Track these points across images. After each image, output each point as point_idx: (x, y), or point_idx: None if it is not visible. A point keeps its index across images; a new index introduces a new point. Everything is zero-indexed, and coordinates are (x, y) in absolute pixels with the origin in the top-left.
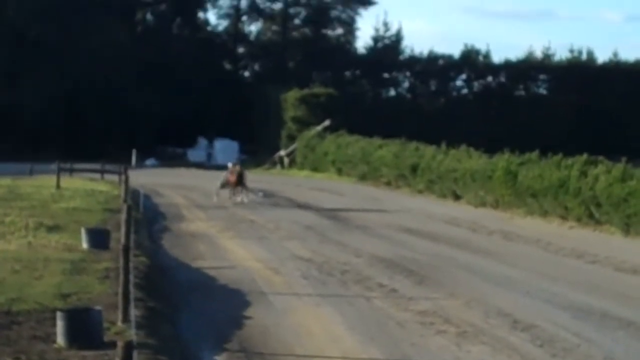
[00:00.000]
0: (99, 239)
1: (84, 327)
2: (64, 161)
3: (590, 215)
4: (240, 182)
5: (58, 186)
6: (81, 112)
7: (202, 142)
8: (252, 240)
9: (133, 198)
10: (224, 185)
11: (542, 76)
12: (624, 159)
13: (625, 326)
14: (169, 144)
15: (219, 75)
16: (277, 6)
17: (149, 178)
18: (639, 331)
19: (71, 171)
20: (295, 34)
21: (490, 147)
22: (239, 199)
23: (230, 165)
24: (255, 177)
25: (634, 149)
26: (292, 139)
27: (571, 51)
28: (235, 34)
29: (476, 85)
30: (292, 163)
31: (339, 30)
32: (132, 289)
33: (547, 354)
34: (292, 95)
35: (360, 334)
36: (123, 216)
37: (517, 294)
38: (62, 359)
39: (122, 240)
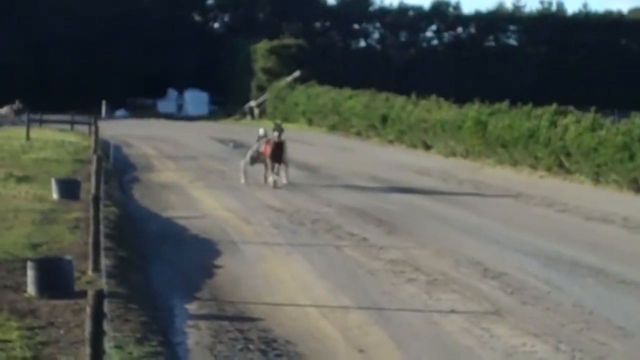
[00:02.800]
0: (69, 189)
1: (55, 276)
2: (34, 112)
3: (560, 165)
4: (278, 156)
5: (28, 137)
6: (50, 65)
7: (172, 93)
8: (223, 190)
9: (103, 149)
10: (256, 159)
11: (512, 27)
12: (593, 108)
13: (594, 274)
14: (139, 95)
15: (188, 27)
16: None
17: (119, 129)
18: (608, 278)
19: (41, 122)
20: None
21: (460, 98)
22: (272, 179)
23: (261, 132)
24: (225, 128)
25: (602, 99)
26: (262, 89)
27: (541, 2)
28: None
29: (446, 36)
30: (262, 114)
31: None
32: (102, 238)
33: (517, 301)
34: (262, 47)
35: (331, 283)
36: (93, 167)
37: (488, 242)
38: (32, 308)
39: (92, 190)
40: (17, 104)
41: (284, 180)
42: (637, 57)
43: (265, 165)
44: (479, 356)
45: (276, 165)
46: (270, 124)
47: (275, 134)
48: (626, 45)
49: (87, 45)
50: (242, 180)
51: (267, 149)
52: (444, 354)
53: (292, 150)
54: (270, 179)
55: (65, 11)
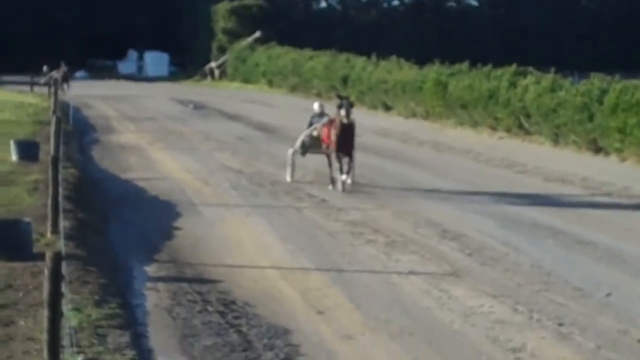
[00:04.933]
0: (28, 151)
1: (13, 238)
2: None
3: (520, 126)
4: (348, 145)
5: None
6: (8, 26)
7: (133, 54)
8: (182, 151)
9: (62, 110)
10: (309, 148)
11: None
12: (553, 69)
13: (553, 235)
14: (99, 57)
15: None
16: None
17: (79, 90)
18: (567, 239)
19: None
20: None
21: (421, 59)
22: (341, 181)
23: (317, 107)
24: (185, 89)
25: (562, 60)
26: (222, 51)
27: None
28: None
29: None
30: (222, 75)
31: None
32: (61, 200)
33: (476, 262)
34: (222, 7)
35: (291, 244)
36: (52, 128)
37: (447, 204)
38: None
39: (52, 152)
40: None
41: (349, 180)
42: (597, 17)
43: (328, 158)
44: (437, 317)
45: (345, 158)
46: (230, 85)
47: (342, 111)
48: (586, 5)
49: (46, 5)
50: (288, 177)
51: (329, 134)
52: (403, 315)
53: (251, 112)
54: (339, 182)
55: None
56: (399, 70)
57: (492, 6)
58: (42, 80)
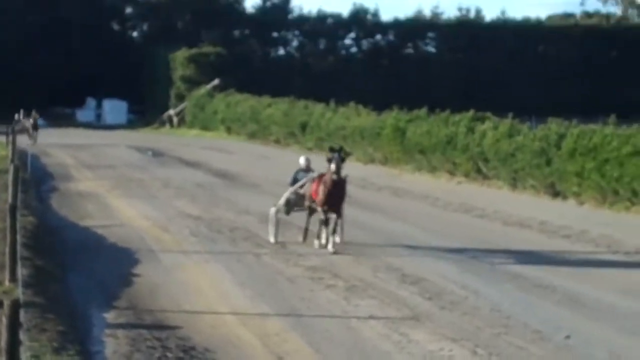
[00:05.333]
0: None
1: None
2: None
3: (478, 171)
4: (337, 202)
5: None
6: None
7: (91, 102)
8: (141, 199)
9: (20, 158)
10: (294, 205)
11: (430, 34)
12: (510, 115)
13: (512, 278)
14: (58, 105)
15: (107, 36)
16: None
17: (38, 138)
18: (526, 283)
19: None
20: None
21: (379, 105)
22: (331, 243)
23: (303, 161)
24: (144, 137)
25: (520, 105)
26: (181, 98)
27: (459, 9)
28: None
29: (365, 43)
30: (181, 122)
31: None
32: (19, 248)
33: (435, 306)
34: (180, 55)
35: (250, 290)
36: (10, 176)
37: (406, 248)
38: None
39: (9, 200)
40: None
41: (337, 239)
42: (555, 63)
43: (310, 213)
44: None
45: (332, 216)
46: (189, 133)
47: (332, 166)
48: (544, 51)
49: (5, 53)
50: (272, 238)
51: (317, 190)
52: (362, 359)
53: (210, 159)
54: (330, 243)
55: None
56: (357, 117)
57: (450, 52)
58: (16, 127)
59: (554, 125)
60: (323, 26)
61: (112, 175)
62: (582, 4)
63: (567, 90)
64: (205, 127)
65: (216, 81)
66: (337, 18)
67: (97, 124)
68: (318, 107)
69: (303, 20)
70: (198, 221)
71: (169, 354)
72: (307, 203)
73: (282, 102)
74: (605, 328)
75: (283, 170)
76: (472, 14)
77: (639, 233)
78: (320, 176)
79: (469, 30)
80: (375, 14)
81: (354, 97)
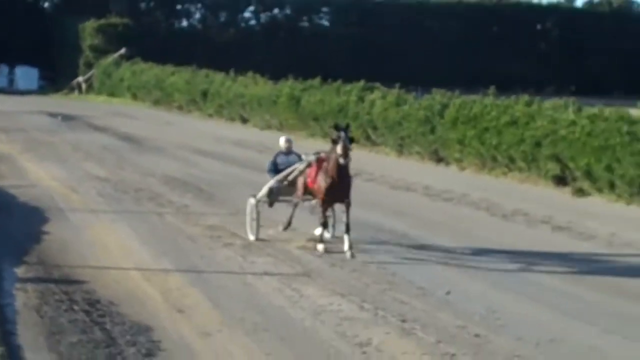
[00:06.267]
0: None
1: None
2: None
3: (368, 138)
4: (343, 192)
5: None
6: None
7: (4, 68)
8: (51, 161)
9: None
10: (278, 194)
11: (324, 9)
12: (397, 85)
13: (398, 238)
14: None
15: (20, 5)
16: None
17: None
18: (411, 242)
19: None
20: None
21: (276, 75)
22: (346, 239)
23: (283, 141)
24: (54, 102)
25: (407, 78)
26: (89, 66)
27: None
28: None
29: (263, 17)
30: (89, 89)
31: None
32: None
33: (325, 263)
34: (89, 25)
35: (153, 248)
36: None
37: (301, 210)
38: None
39: None
40: None
41: (348, 254)
42: (438, 37)
43: (295, 206)
44: (289, 315)
45: (332, 210)
46: (97, 99)
47: (339, 148)
48: (429, 26)
49: None
50: (251, 235)
51: (317, 179)
52: (257, 313)
53: (117, 124)
54: (346, 243)
55: None
56: (255, 85)
57: (343, 27)
58: None
59: (437, 96)
60: (224, 0)
61: (24, 138)
62: None
63: (451, 63)
64: (112, 94)
65: (123, 50)
66: None
67: (9, 89)
68: (218, 76)
69: None
70: (105, 182)
71: (76, 307)
72: (298, 194)
73: (184, 71)
74: (482, 285)
75: (186, 135)
76: None
77: (515, 196)
78: (320, 160)
79: (359, 7)
80: None
81: (253, 67)
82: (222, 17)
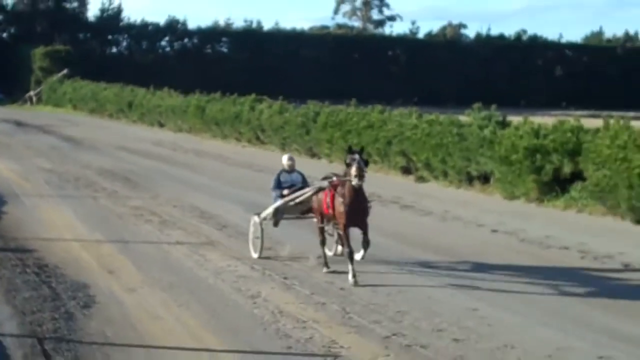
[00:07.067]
0: None
1: None
2: None
3: (257, 138)
4: (360, 215)
5: None
6: None
7: None
8: (8, 157)
9: None
10: (283, 213)
11: (224, 39)
12: (280, 98)
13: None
14: None
15: None
16: None
17: None
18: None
19: None
20: (41, 5)
21: (186, 90)
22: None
23: (286, 159)
24: (10, 111)
25: (287, 91)
26: (39, 83)
27: (245, 21)
28: None
29: (176, 45)
30: (39, 101)
31: (75, 4)
32: None
33: (225, 235)
34: (39, 51)
35: (89, 224)
36: None
37: (204, 193)
38: None
39: None
40: None
41: (357, 256)
42: (312, 60)
43: (321, 233)
44: (197, 274)
45: (359, 230)
46: (45, 109)
47: (353, 170)
48: (305, 52)
49: None
50: (254, 253)
51: (334, 204)
52: (172, 273)
53: (61, 128)
54: (350, 272)
55: None
56: (169, 98)
57: (239, 52)
58: None
59: (311, 106)
60: (146, 32)
61: None
62: (333, 18)
63: (322, 81)
64: (57, 105)
65: (65, 71)
66: (156, 26)
67: None
68: (141, 91)
69: (131, 27)
70: (51, 173)
71: (28, 270)
72: (316, 221)
73: (114, 87)
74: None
75: (116, 137)
76: (254, 24)
77: (371, 183)
78: (334, 186)
79: (252, 37)
80: (184, 23)
81: (167, 84)
82: (144, 45)
